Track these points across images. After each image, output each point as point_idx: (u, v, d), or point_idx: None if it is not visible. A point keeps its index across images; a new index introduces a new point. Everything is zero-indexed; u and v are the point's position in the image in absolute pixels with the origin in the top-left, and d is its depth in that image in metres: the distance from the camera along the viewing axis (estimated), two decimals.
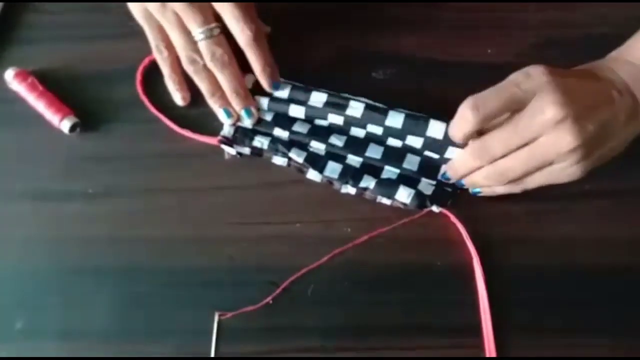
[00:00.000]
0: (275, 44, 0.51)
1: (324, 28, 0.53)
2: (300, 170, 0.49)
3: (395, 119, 0.48)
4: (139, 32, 0.50)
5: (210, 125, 0.50)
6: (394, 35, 0.53)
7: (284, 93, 0.50)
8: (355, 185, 0.48)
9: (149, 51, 0.51)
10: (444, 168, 0.48)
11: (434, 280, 0.47)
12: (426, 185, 0.48)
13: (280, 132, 0.49)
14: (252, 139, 0.49)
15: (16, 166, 0.50)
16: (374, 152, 0.48)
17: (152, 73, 0.51)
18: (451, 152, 0.47)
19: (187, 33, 0.48)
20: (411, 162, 0.48)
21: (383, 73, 0.52)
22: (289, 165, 0.49)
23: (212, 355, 0.45)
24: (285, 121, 0.49)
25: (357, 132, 0.49)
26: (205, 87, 0.49)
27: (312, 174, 0.49)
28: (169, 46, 0.49)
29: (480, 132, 0.43)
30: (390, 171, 0.48)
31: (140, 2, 0.48)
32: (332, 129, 0.49)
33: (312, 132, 0.49)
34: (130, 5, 0.49)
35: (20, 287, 0.47)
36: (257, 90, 0.51)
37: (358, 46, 0.53)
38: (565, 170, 0.43)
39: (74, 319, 0.46)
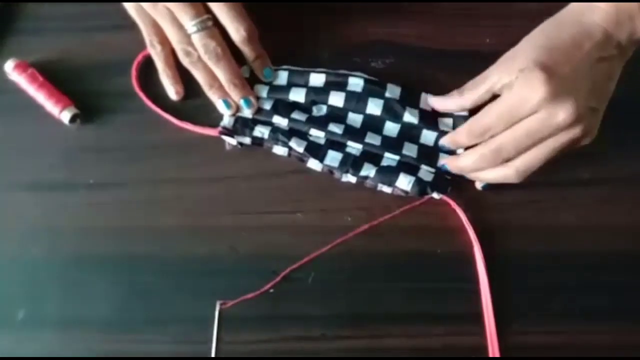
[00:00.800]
0: (274, 33, 0.51)
1: (323, 17, 0.53)
2: (301, 159, 0.49)
3: (393, 91, 0.50)
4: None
5: (210, 116, 0.50)
6: (393, 25, 0.53)
7: (282, 79, 0.51)
8: (355, 174, 0.48)
9: None
10: (442, 161, 0.48)
11: (435, 267, 0.47)
12: (426, 173, 0.48)
13: (279, 120, 0.49)
14: (252, 129, 0.49)
15: (17, 157, 0.50)
16: (373, 139, 0.49)
17: (151, 66, 0.51)
18: (444, 125, 0.49)
19: (180, 27, 0.48)
20: (410, 149, 0.48)
21: (382, 62, 0.52)
22: (289, 155, 0.49)
23: (214, 343, 0.45)
24: (285, 109, 0.50)
25: (355, 118, 0.49)
26: (203, 79, 0.50)
27: (313, 163, 0.49)
28: (163, 41, 0.50)
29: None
30: (390, 158, 0.48)
31: None
32: (331, 117, 0.49)
33: (310, 120, 0.49)
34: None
35: (21, 277, 0.47)
36: (256, 79, 0.51)
37: (357, 35, 0.53)
38: (573, 132, 0.42)
39: (75, 309, 0.46)
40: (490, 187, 0.48)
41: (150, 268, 0.47)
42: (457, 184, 0.48)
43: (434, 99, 0.49)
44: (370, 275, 0.47)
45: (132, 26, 0.50)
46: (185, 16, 0.47)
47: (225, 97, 0.49)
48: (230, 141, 0.50)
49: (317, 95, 0.50)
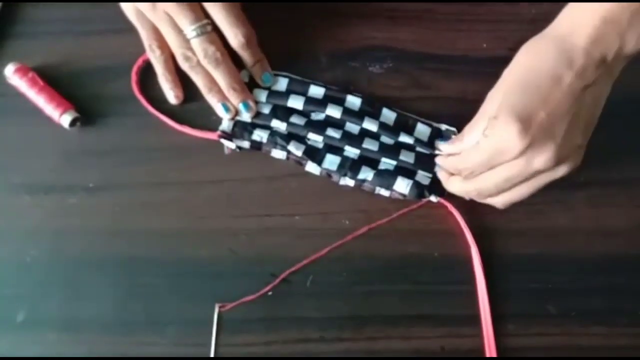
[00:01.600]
0: (273, 38, 0.51)
1: (321, 22, 0.54)
2: (299, 163, 0.49)
3: (388, 116, 0.50)
4: None
5: (209, 120, 0.51)
6: (390, 30, 0.54)
7: (281, 85, 0.51)
8: (353, 177, 0.48)
9: None
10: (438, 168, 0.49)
11: (432, 270, 0.47)
12: (423, 176, 0.49)
13: (278, 124, 0.49)
14: (251, 132, 0.50)
15: (17, 160, 0.50)
16: (371, 144, 0.49)
17: (150, 70, 0.51)
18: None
19: (179, 31, 0.48)
20: (407, 155, 0.49)
21: (380, 67, 0.53)
22: (288, 158, 0.50)
23: (213, 345, 0.45)
24: (283, 113, 0.50)
25: (353, 127, 0.50)
26: (202, 83, 0.50)
27: (311, 167, 0.49)
28: (162, 45, 0.50)
29: None
30: (387, 163, 0.49)
31: (132, 3, 0.49)
32: (329, 122, 0.50)
33: (309, 124, 0.49)
34: (123, 5, 0.50)
35: (21, 279, 0.47)
36: (255, 83, 0.51)
37: (355, 40, 0.53)
38: (556, 172, 0.42)
39: (75, 311, 0.46)
40: None
41: (149, 270, 0.47)
42: None
43: (443, 145, 0.47)
44: (368, 278, 0.47)
45: (132, 30, 0.50)
46: (185, 21, 0.48)
47: (225, 101, 0.50)
48: (229, 145, 0.50)
49: (315, 105, 0.50)
